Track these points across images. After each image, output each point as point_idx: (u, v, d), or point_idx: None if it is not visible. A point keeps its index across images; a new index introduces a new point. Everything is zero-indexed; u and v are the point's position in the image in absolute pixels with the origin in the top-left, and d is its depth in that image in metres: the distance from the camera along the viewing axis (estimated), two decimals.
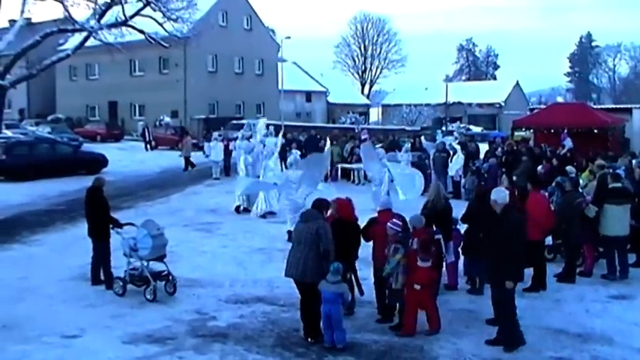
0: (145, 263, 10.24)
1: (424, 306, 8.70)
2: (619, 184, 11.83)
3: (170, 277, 10.31)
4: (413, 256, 8.61)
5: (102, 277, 10.82)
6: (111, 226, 10.83)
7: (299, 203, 13.24)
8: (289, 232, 11.33)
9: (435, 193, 10.65)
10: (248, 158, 19.15)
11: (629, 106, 36.77)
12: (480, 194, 11.56)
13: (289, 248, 8.62)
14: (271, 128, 27.02)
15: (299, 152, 21.93)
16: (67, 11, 27.19)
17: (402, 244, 8.68)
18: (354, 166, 24.23)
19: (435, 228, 9.51)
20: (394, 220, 8.88)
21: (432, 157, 21.80)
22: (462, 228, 11.08)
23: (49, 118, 49.64)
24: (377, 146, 22.75)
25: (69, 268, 11.84)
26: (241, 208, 17.85)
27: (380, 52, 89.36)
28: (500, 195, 8.39)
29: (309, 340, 8.31)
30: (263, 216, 17.17)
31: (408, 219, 9.19)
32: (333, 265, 8.16)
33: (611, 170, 13.19)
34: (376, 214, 9.75)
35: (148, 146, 39.21)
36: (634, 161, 16.33)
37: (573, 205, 11.36)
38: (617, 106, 40.74)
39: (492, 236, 8.27)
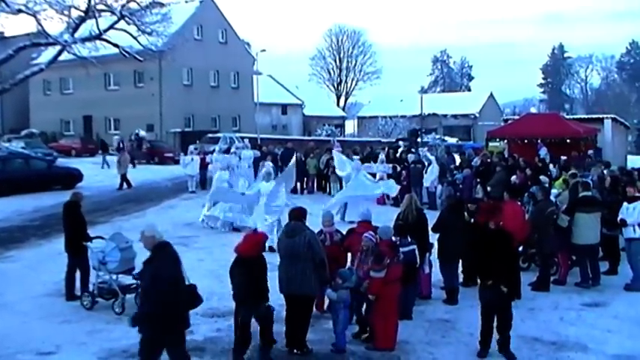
0: (114, 276, 10.27)
1: (371, 318, 8.69)
2: (589, 193, 12.04)
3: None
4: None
5: (77, 293, 10.73)
6: None
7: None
8: (270, 247, 11.21)
9: (407, 205, 10.73)
10: (223, 175, 18.43)
11: (601, 116, 37.38)
12: (452, 204, 11.73)
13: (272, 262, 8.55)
14: (246, 141, 27.10)
15: (271, 164, 21.16)
16: (40, 25, 26.94)
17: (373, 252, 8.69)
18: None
19: (409, 239, 9.58)
20: (371, 232, 8.94)
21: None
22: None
23: (23, 132, 48.92)
24: (354, 158, 22.91)
25: (44, 284, 11.71)
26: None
27: (355, 65, 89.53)
28: (146, 230, 7.02)
29: (298, 352, 8.29)
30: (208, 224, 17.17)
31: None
32: (349, 272, 8.59)
33: (581, 179, 13.43)
34: (355, 226, 9.86)
35: None
36: (605, 171, 16.58)
37: (545, 214, 11.53)
38: (590, 116, 41.26)
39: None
